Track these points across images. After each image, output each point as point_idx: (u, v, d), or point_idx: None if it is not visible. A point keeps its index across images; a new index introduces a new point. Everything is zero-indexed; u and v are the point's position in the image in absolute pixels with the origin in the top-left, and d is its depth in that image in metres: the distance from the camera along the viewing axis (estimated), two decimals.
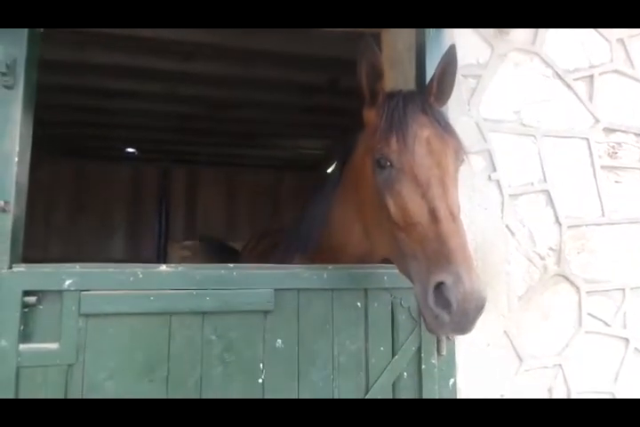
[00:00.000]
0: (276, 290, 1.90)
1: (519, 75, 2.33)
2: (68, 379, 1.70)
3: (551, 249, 2.26)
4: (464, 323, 1.36)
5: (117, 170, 6.09)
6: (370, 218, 1.81)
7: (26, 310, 1.70)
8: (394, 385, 1.99)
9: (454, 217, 1.50)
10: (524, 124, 2.31)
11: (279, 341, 1.90)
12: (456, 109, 2.18)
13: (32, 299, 1.70)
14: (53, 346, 1.70)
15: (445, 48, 1.90)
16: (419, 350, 2.02)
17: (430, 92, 1.80)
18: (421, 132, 1.63)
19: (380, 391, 1.96)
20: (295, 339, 1.92)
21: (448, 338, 2.05)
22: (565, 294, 2.27)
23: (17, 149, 1.76)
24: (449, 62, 1.79)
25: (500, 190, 2.22)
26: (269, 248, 3.13)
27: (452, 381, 2.05)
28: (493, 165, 2.22)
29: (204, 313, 1.84)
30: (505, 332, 2.16)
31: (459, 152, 1.70)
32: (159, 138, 7.10)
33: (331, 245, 2.12)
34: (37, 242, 5.52)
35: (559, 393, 2.21)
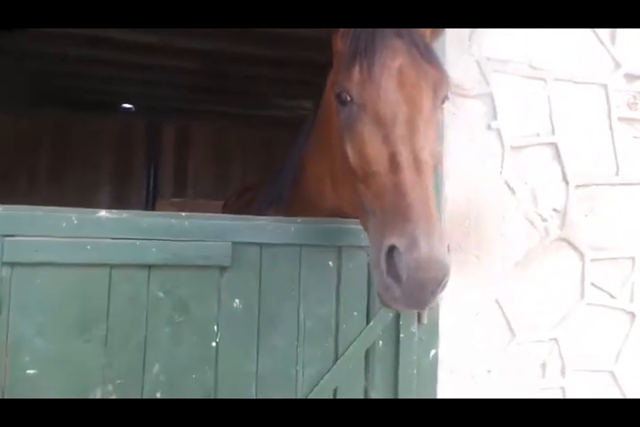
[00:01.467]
0: (234, 243, 1.66)
1: None
2: None
3: (555, 210, 1.99)
4: (419, 297, 1.10)
5: (105, 123, 5.82)
6: (336, 167, 1.54)
7: None
8: (367, 354, 1.78)
9: (419, 165, 1.22)
10: (533, 67, 2.00)
11: (237, 301, 1.68)
12: (454, 45, 1.88)
13: None
14: None
15: None
16: (397, 316, 1.79)
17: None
18: (392, 59, 1.32)
19: (350, 360, 1.75)
20: (256, 300, 1.69)
21: None
22: (568, 261, 2.01)
23: None
24: None
25: (501, 141, 1.94)
26: (248, 204, 2.90)
27: (433, 352, 1.83)
28: (495, 111, 1.93)
29: (149, 266, 1.61)
30: (496, 300, 1.92)
31: (439, 85, 1.37)
32: (151, 92, 6.79)
33: (303, 198, 1.88)
34: (21, 192, 5.30)
35: (553, 370, 1.99)
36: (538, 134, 1.99)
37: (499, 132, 1.94)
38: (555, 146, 2.00)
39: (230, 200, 3.75)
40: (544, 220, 1.97)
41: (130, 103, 6.87)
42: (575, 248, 2.01)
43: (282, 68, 5.81)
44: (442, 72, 1.37)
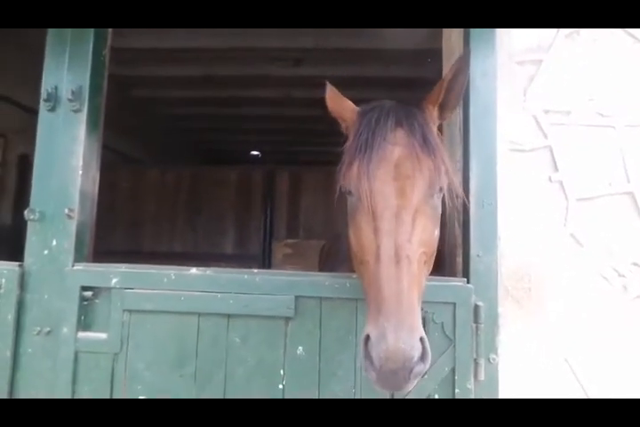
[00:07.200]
0: (297, 297, 1.89)
1: (595, 53, 1.94)
2: (114, 366, 1.93)
3: (636, 264, 1.84)
4: (393, 382, 1.21)
5: (228, 173, 6.73)
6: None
7: (85, 303, 1.97)
8: None
9: (399, 258, 1.31)
10: (601, 114, 1.92)
11: (300, 348, 1.90)
12: (506, 103, 1.92)
13: (89, 293, 1.97)
14: (103, 336, 1.95)
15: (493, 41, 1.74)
16: (452, 371, 1.83)
17: (431, 100, 1.59)
18: (389, 152, 1.43)
19: None
20: (317, 348, 1.89)
21: (489, 361, 1.82)
22: None
23: (81, 164, 2.05)
24: (460, 69, 1.56)
25: (565, 193, 1.88)
26: (335, 252, 3.12)
27: None
28: (555, 163, 1.89)
29: (228, 315, 1.92)
30: (566, 360, 1.82)
31: (434, 175, 1.44)
32: (270, 140, 7.63)
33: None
34: (163, 239, 6.36)
35: None
36: (610, 184, 1.89)
37: (561, 184, 1.89)
38: (631, 195, 1.87)
39: (327, 245, 4.03)
40: (621, 275, 1.83)
41: (255, 151, 7.84)
42: None
43: None
44: (438, 161, 1.44)
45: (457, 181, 1.53)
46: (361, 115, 1.57)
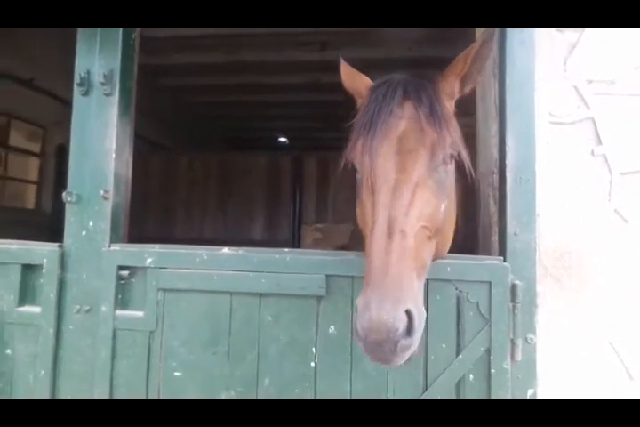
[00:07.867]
0: (328, 276, 1.88)
1: None
2: (150, 343, 1.98)
3: None
4: (380, 354, 1.18)
5: (256, 159, 6.76)
6: None
7: (122, 282, 2.02)
8: (458, 386, 1.81)
9: (392, 231, 1.28)
10: None
11: (332, 327, 1.89)
12: (546, 73, 1.82)
13: (125, 273, 2.02)
14: (140, 314, 2.00)
15: None
16: (488, 351, 1.78)
17: (454, 72, 1.55)
18: (394, 127, 1.40)
19: (439, 391, 1.80)
20: (349, 326, 1.88)
21: (526, 341, 1.77)
22: None
23: (114, 146, 2.09)
24: (488, 39, 1.50)
25: (608, 167, 1.79)
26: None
27: (530, 391, 1.76)
28: (598, 136, 1.80)
29: (260, 294, 1.93)
30: (610, 343, 1.75)
31: (438, 146, 1.39)
32: (297, 126, 7.59)
33: None
34: (194, 225, 6.47)
35: None
36: None
37: (604, 157, 1.79)
38: None
39: (356, 228, 4.01)
40: None
41: (283, 137, 7.84)
42: None
43: None
44: (444, 133, 1.39)
45: (465, 152, 1.48)
46: (371, 90, 1.55)
